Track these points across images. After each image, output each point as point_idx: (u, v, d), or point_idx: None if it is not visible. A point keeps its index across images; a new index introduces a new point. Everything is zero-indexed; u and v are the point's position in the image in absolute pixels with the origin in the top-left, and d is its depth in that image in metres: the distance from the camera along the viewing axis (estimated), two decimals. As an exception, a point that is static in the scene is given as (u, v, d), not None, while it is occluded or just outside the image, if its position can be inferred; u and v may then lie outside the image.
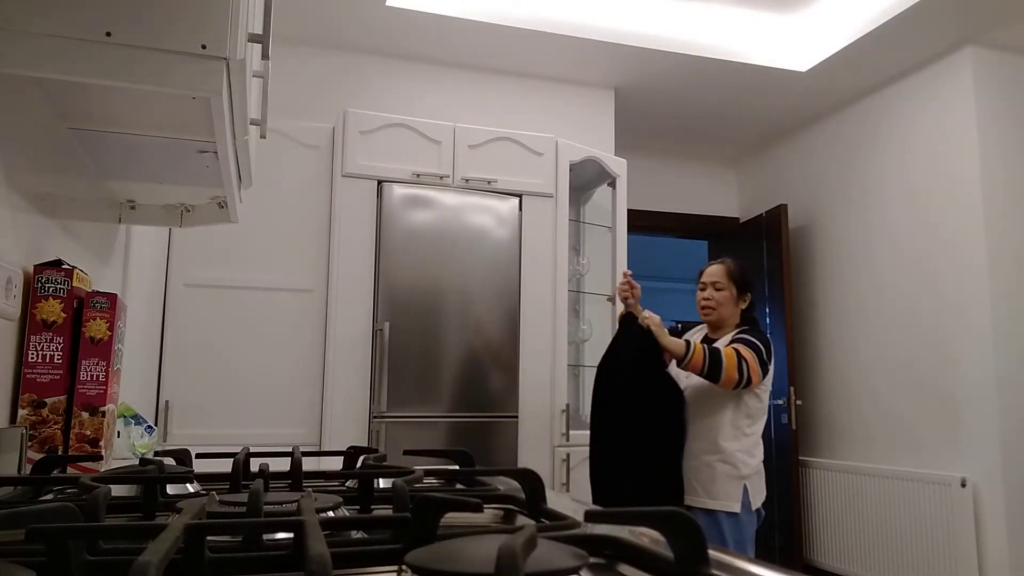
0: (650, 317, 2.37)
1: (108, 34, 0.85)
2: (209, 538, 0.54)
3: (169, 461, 1.11)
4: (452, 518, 0.63)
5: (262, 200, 2.89)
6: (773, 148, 4.88)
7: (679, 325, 2.90)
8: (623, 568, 0.57)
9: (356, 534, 0.67)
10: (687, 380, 2.44)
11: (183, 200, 1.75)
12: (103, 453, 1.22)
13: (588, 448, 2.49)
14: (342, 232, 3.04)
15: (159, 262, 2.83)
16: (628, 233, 3.60)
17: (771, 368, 2.36)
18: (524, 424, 3.13)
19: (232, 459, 0.95)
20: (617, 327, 2.56)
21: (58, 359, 1.18)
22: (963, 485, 3.33)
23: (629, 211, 3.66)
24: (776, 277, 4.41)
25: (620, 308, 2.57)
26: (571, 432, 3.19)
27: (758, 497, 2.33)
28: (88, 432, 1.21)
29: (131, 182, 1.60)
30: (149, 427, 1.60)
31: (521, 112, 3.86)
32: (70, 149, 1.35)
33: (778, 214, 4.46)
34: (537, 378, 3.19)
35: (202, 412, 2.83)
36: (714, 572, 0.51)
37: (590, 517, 0.55)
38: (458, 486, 1.01)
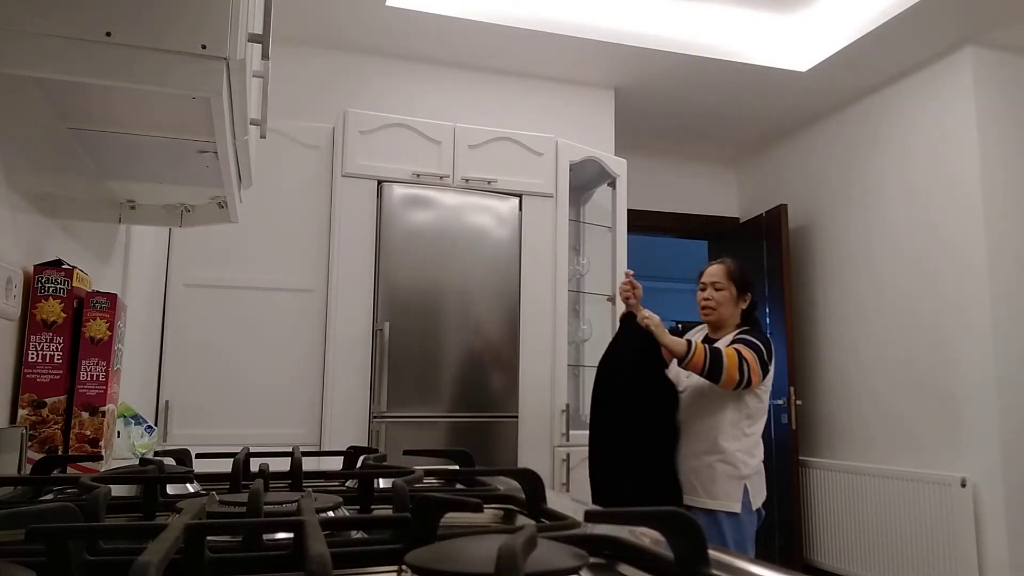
0: (649, 317, 2.37)
1: (108, 34, 0.85)
2: (209, 538, 0.54)
3: (169, 461, 1.11)
4: (452, 518, 0.63)
5: (262, 200, 2.89)
6: (773, 148, 4.88)
7: (679, 325, 2.90)
8: (623, 568, 0.57)
9: (356, 534, 0.67)
10: (688, 380, 2.44)
11: (183, 200, 1.75)
12: (103, 453, 1.22)
13: (588, 448, 2.49)
14: (342, 232, 3.04)
15: (159, 262, 2.83)
16: (628, 233, 3.60)
17: (771, 368, 2.36)
18: (524, 424, 3.13)
19: (232, 459, 0.95)
20: (618, 327, 2.56)
21: (58, 359, 1.18)
22: (963, 485, 3.33)
23: (629, 211, 3.66)
24: (776, 277, 4.41)
25: (621, 308, 2.56)
26: (571, 432, 3.19)
27: (758, 497, 2.33)
28: (88, 432, 1.21)
29: (131, 182, 1.60)
30: (149, 427, 1.60)
31: (521, 112, 3.86)
32: (70, 149, 1.35)
33: (778, 214, 4.46)
34: (537, 378, 3.19)
35: (202, 412, 2.83)
36: (714, 572, 0.51)
37: (590, 517, 0.55)
38: (458, 486, 1.01)
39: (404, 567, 0.56)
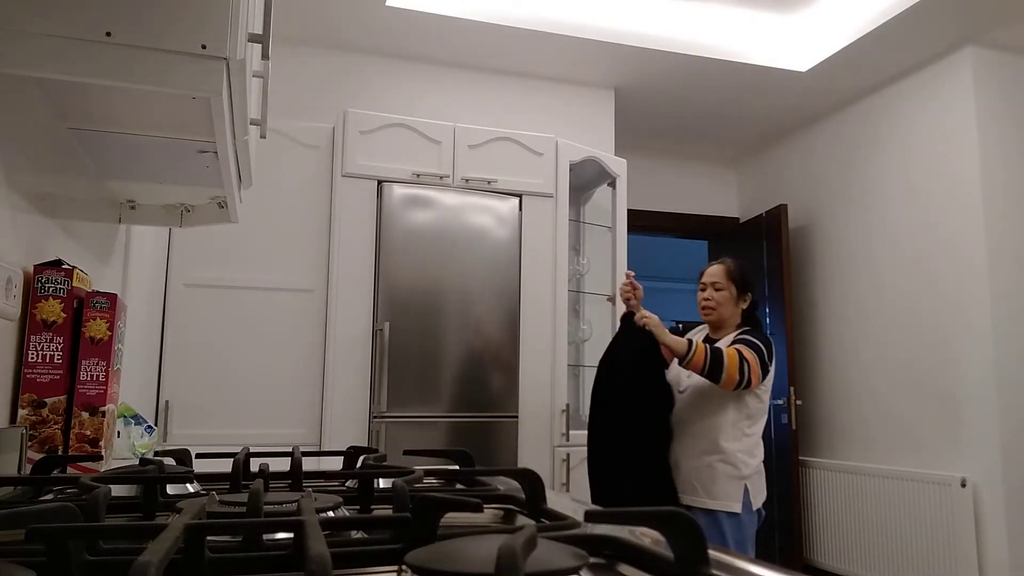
0: (648, 317, 2.37)
1: (108, 34, 0.85)
2: (209, 538, 0.54)
3: (169, 461, 1.11)
4: (452, 518, 0.63)
5: (262, 200, 2.89)
6: (773, 148, 4.88)
7: (680, 325, 2.89)
8: (623, 568, 0.57)
9: (356, 534, 0.67)
10: (688, 380, 2.44)
11: (183, 200, 1.75)
12: (103, 453, 1.22)
13: (587, 448, 2.48)
14: (342, 232, 3.04)
15: (159, 262, 2.83)
16: (628, 233, 3.60)
17: (772, 369, 2.36)
18: (524, 424, 3.13)
19: (232, 459, 0.95)
20: (618, 327, 2.56)
21: (58, 359, 1.18)
22: (963, 485, 3.33)
23: (629, 211, 3.66)
24: (776, 277, 4.41)
25: (621, 308, 2.56)
26: (571, 432, 3.19)
27: (759, 497, 2.33)
28: (88, 432, 1.21)
29: (131, 182, 1.60)
30: (149, 427, 1.60)
31: (521, 112, 3.86)
32: (70, 149, 1.35)
33: (778, 214, 4.46)
34: (537, 378, 3.19)
35: (202, 412, 2.84)
36: (714, 572, 0.51)
37: (590, 517, 0.55)
38: (458, 486, 1.01)
39: (404, 567, 0.56)
